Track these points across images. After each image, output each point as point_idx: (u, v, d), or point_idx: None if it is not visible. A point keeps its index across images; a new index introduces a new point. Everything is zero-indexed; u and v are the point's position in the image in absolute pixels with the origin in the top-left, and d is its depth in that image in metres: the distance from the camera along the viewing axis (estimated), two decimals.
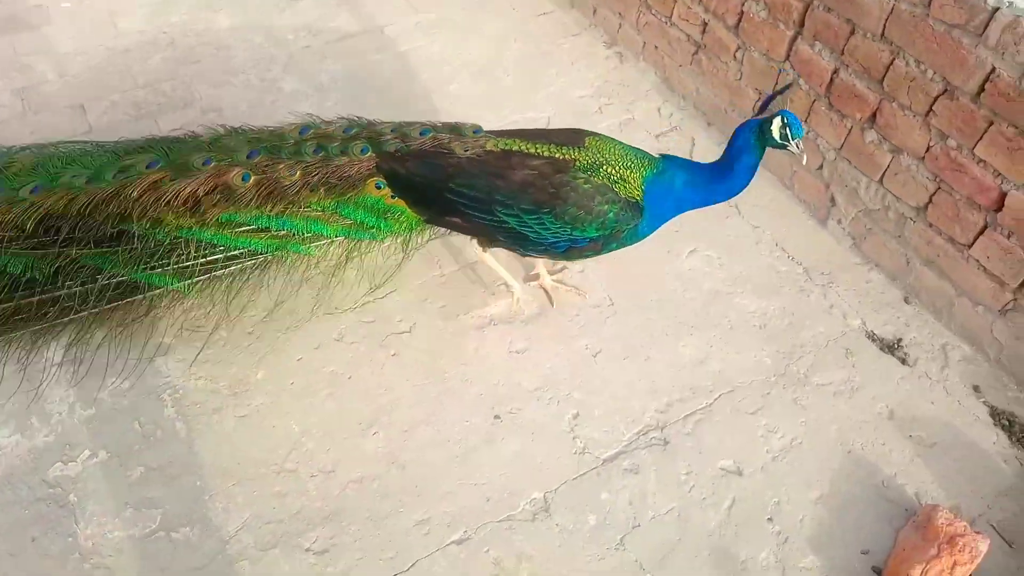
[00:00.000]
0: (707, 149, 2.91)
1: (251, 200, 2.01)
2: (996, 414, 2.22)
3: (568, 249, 2.08)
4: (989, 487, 2.06)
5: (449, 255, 2.53)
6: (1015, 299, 2.22)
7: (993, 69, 2.05)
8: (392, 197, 2.10)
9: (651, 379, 2.26)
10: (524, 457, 2.06)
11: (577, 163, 2.00)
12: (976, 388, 2.28)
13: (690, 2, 2.87)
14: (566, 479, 2.03)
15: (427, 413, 2.13)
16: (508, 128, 2.20)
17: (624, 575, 1.85)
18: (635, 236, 2.08)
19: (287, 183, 2.02)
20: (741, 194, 2.55)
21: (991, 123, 2.11)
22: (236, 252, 2.04)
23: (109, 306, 1.99)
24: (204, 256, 2.02)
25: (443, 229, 2.23)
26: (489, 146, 2.05)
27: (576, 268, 2.52)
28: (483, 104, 3.02)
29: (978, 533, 1.85)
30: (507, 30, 3.39)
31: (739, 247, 2.61)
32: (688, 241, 2.61)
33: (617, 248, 2.10)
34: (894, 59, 2.28)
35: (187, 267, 2.00)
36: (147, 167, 2.01)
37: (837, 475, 2.07)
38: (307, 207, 2.06)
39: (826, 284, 2.52)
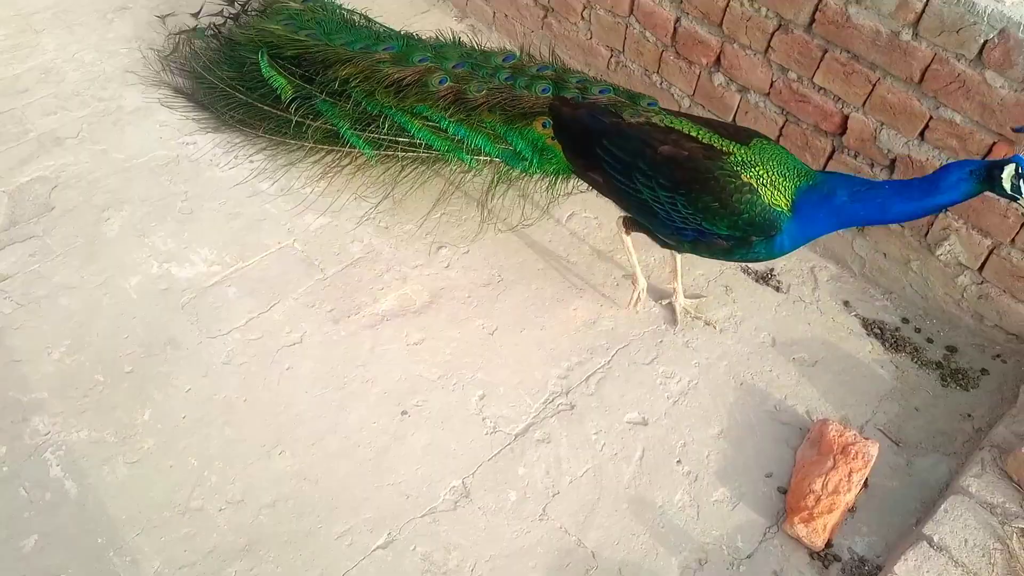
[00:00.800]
0: None
1: (440, 101, 2.31)
2: (867, 324, 2.38)
3: (695, 241, 2.01)
4: (871, 394, 2.22)
5: (329, 257, 2.46)
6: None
7: (820, 0, 2.16)
8: (552, 138, 2.23)
9: (549, 347, 2.29)
10: (437, 447, 2.06)
11: (732, 156, 1.91)
12: (846, 303, 2.43)
13: None
14: (482, 461, 2.04)
15: (331, 422, 2.09)
16: None
17: (551, 543, 1.89)
18: (771, 249, 1.94)
19: (471, 97, 2.28)
20: None
21: (825, 51, 2.22)
22: (417, 141, 2.36)
23: (313, 144, 2.50)
24: (393, 136, 2.37)
25: (584, 185, 2.28)
26: (656, 119, 2.04)
27: (462, 248, 2.51)
28: None
29: (867, 439, 1.99)
30: (353, 6, 3.28)
31: (612, 206, 2.66)
32: (567, 206, 2.65)
33: (749, 259, 2.01)
34: (729, 2, 2.36)
35: (378, 139, 2.39)
36: (383, 49, 2.46)
37: (733, 408, 2.17)
38: (481, 123, 2.29)
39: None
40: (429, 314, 2.34)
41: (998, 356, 2.28)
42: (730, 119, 2.57)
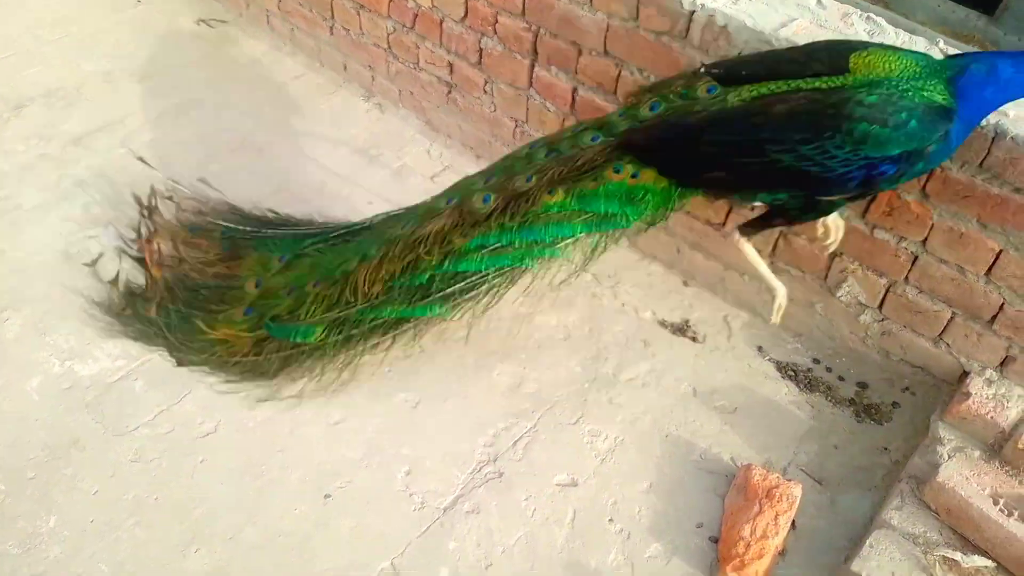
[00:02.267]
0: None
1: (493, 217, 2.09)
2: (781, 368, 2.45)
3: (865, 181, 1.79)
4: (790, 435, 2.27)
5: None
6: (771, 262, 2.47)
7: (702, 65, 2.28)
8: (633, 177, 2.03)
9: (474, 415, 2.27)
10: (364, 529, 1.99)
11: (850, 83, 1.74)
12: (760, 348, 2.51)
13: (432, 47, 2.95)
14: (411, 539, 1.98)
15: (250, 513, 2.00)
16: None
17: None
18: (948, 148, 1.76)
19: (524, 189, 2.07)
20: None
21: None
22: (485, 273, 2.13)
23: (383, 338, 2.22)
24: (450, 285, 2.14)
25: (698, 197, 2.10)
26: (734, 101, 1.87)
27: None
28: (244, 175, 2.92)
29: (791, 480, 2.02)
30: (261, 100, 3.31)
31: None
32: None
33: (923, 171, 1.85)
34: (620, 71, 2.48)
35: (442, 297, 2.15)
36: (402, 227, 2.22)
37: (661, 461, 2.18)
38: (548, 211, 2.07)
39: (614, 285, 2.67)
40: (349, 391, 2.30)
41: (907, 389, 2.38)
42: None
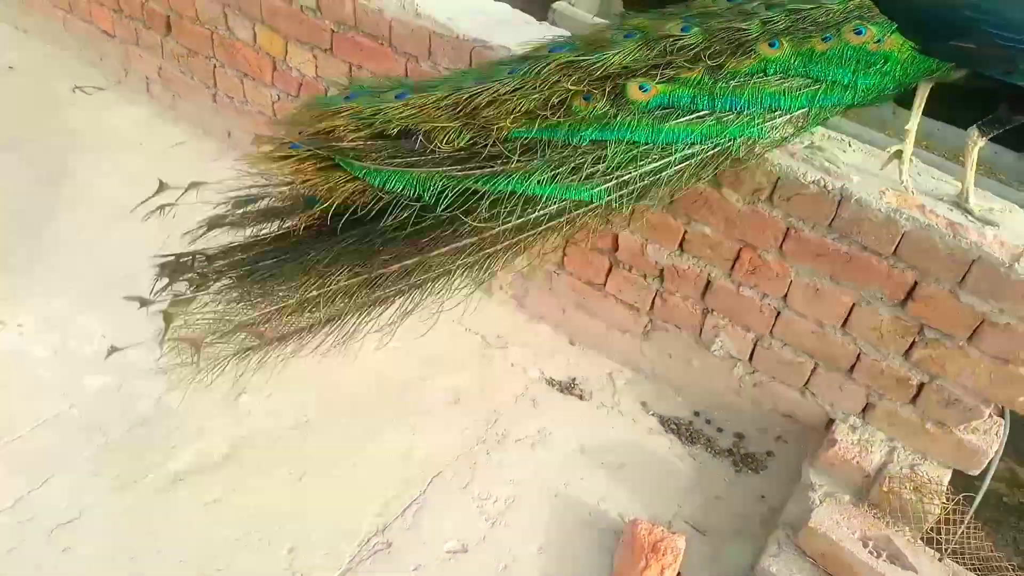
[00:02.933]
0: None
1: (694, 62, 1.73)
2: (664, 422, 2.53)
3: None
4: (674, 488, 2.33)
5: (113, 419, 2.28)
6: (650, 320, 2.57)
7: None
8: (877, 41, 1.81)
9: (362, 485, 2.22)
10: None
11: None
12: (644, 404, 2.58)
13: None
14: None
15: None
16: None
17: None
18: None
19: (741, 33, 1.74)
20: None
21: None
22: (672, 147, 1.74)
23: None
24: (628, 160, 1.74)
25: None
26: None
27: (265, 392, 2.41)
28: (118, 244, 2.82)
29: (675, 533, 2.07)
30: (142, 168, 3.21)
31: (420, 333, 2.70)
32: (370, 338, 2.64)
33: None
34: None
35: (607, 179, 1.72)
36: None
37: (551, 521, 2.19)
38: (765, 69, 1.78)
39: (504, 346, 2.71)
40: (230, 467, 2.21)
41: (779, 437, 2.49)
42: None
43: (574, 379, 2.63)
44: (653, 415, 2.54)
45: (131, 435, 2.24)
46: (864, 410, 2.29)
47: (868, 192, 2.02)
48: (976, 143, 2.01)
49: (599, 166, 1.78)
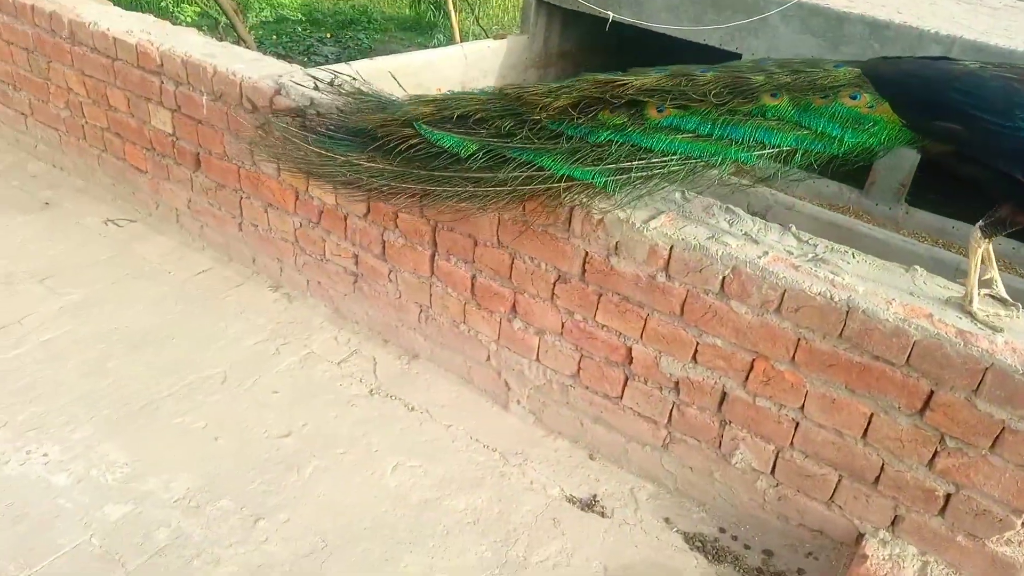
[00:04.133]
0: (389, 363, 3.06)
1: (704, 96, 2.08)
2: (689, 539, 2.46)
3: None
4: None
5: (130, 549, 2.26)
6: (669, 432, 2.56)
7: (587, 254, 2.48)
8: (869, 107, 2.04)
9: None
10: None
11: None
12: (667, 520, 2.53)
13: (338, 239, 3.10)
14: None
15: None
16: None
17: None
18: None
19: (749, 83, 2.07)
20: (432, 398, 2.65)
21: (600, 295, 2.51)
22: (668, 158, 2.12)
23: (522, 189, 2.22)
24: (627, 161, 2.13)
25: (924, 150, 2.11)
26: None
27: (282, 517, 2.40)
28: (142, 370, 2.89)
29: None
30: (166, 295, 3.34)
31: (437, 450, 2.71)
32: (388, 457, 2.65)
33: None
34: (514, 260, 2.65)
35: (614, 168, 2.14)
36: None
37: None
38: (763, 113, 2.08)
39: (522, 463, 2.69)
40: None
41: (810, 554, 2.42)
42: (534, 358, 2.77)
43: (595, 495, 2.59)
44: (677, 532, 2.49)
45: (149, 565, 2.22)
46: (893, 523, 2.23)
47: (874, 303, 2.05)
48: (980, 244, 2.07)
49: (605, 156, 2.17)
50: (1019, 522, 2.04)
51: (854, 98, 2.08)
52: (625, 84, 2.17)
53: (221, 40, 3.65)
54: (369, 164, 2.43)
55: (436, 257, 2.86)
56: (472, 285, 2.81)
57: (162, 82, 3.34)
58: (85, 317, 3.16)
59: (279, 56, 11.53)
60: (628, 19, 9.41)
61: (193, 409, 2.76)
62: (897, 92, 2.05)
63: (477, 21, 12.02)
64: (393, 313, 3.10)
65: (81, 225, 3.76)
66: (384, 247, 2.97)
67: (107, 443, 2.60)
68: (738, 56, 8.81)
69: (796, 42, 8.44)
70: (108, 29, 3.45)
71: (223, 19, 10.38)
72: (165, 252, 3.61)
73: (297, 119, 2.72)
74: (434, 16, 12.18)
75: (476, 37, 11.33)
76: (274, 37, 11.59)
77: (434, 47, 10.51)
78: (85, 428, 2.64)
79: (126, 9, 3.83)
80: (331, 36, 11.75)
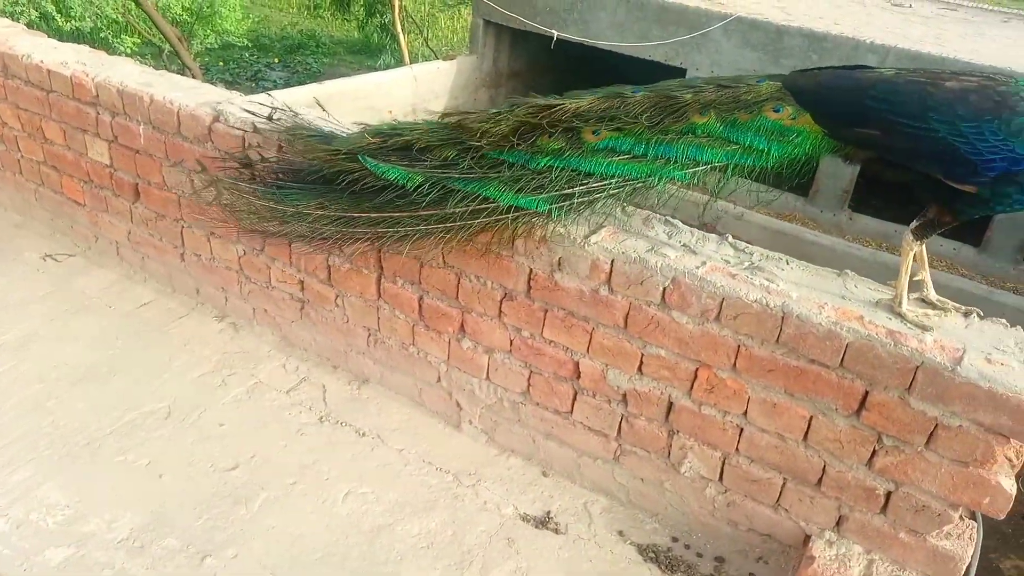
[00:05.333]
0: (338, 390, 3.03)
1: (636, 117, 2.12)
2: (642, 550, 2.48)
3: (1000, 176, 1.90)
4: None
5: None
6: (619, 445, 2.58)
7: (531, 271, 2.49)
8: (792, 119, 2.10)
9: None
10: None
11: (1019, 82, 1.92)
12: (621, 532, 2.54)
13: (283, 266, 3.07)
14: None
15: None
16: None
17: None
18: None
19: (676, 102, 2.12)
20: (383, 423, 2.66)
21: (546, 311, 2.53)
22: (607, 181, 2.16)
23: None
24: (567, 187, 2.17)
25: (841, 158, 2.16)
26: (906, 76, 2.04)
27: (230, 553, 2.35)
28: (84, 407, 2.81)
29: None
30: (107, 329, 3.27)
31: (389, 475, 2.68)
32: (340, 484, 2.62)
33: None
34: (460, 279, 2.65)
35: (555, 195, 2.18)
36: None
37: None
38: (693, 131, 2.13)
39: (475, 483, 2.68)
40: None
41: (760, 559, 2.45)
42: (484, 377, 2.77)
43: (549, 512, 2.59)
44: (631, 544, 2.50)
45: None
46: (838, 523, 2.27)
47: (807, 307, 2.10)
48: (912, 247, 2.13)
49: (547, 183, 2.21)
50: (956, 515, 2.10)
51: (777, 111, 2.14)
52: (560, 109, 2.20)
53: (165, 69, 3.62)
54: (319, 211, 2.39)
55: (382, 280, 2.85)
56: (420, 306, 2.80)
57: (98, 113, 3.29)
58: (24, 355, 3.08)
59: (226, 83, 11.48)
60: (575, 37, 9.57)
61: (137, 446, 2.70)
62: (816, 103, 2.11)
63: (426, 43, 12.10)
64: (341, 338, 3.08)
65: (19, 261, 3.66)
66: (330, 272, 2.95)
67: (48, 484, 2.52)
68: (683, 71, 9.05)
69: (738, 56, 8.68)
70: (42, 61, 3.39)
71: (167, 47, 10.29)
72: (106, 285, 3.53)
73: (245, 169, 2.68)
74: (382, 38, 12.22)
75: (426, 59, 11.40)
76: (221, 64, 11.52)
77: (383, 69, 10.54)
78: (25, 470, 2.57)
79: (66, 41, 3.76)
80: (279, 61, 11.73)
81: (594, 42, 9.40)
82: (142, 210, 3.40)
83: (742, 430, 2.33)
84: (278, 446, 2.75)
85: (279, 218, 2.48)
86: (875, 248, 8.06)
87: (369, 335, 3.00)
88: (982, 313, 2.15)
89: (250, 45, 12.34)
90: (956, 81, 1.99)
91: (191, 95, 3.14)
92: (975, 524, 2.14)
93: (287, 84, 10.91)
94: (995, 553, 5.81)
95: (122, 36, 9.94)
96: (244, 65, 11.71)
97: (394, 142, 2.37)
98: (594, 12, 9.42)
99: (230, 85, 11.19)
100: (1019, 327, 2.12)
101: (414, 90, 9.82)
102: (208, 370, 3.07)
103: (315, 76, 11.38)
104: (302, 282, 3.06)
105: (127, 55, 9.05)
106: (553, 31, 9.50)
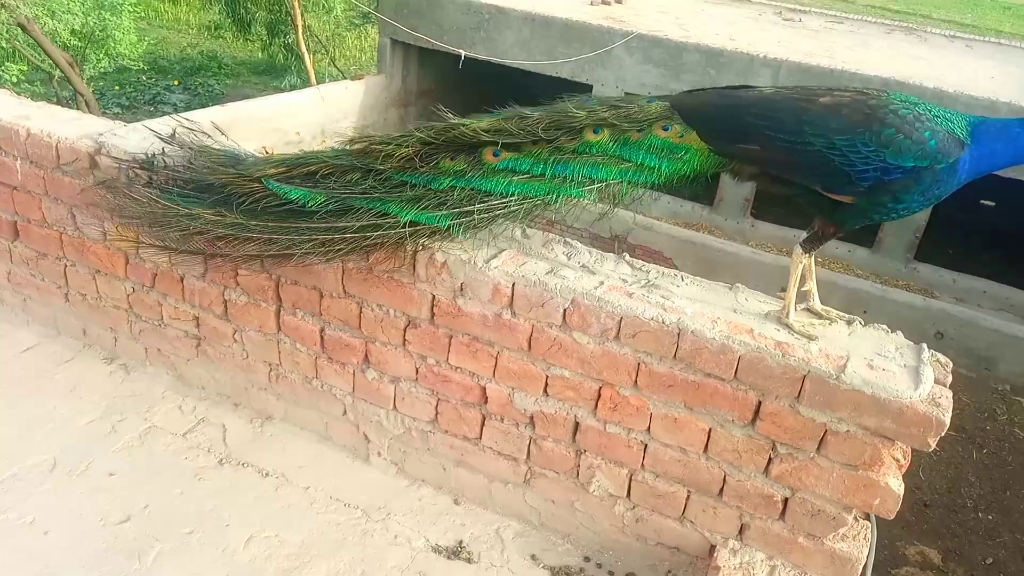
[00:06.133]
0: (239, 429, 2.91)
1: (534, 138, 2.19)
2: (555, 573, 2.47)
3: (874, 186, 1.99)
4: None
5: None
6: (529, 468, 2.57)
7: (434, 298, 2.46)
8: (680, 137, 2.17)
9: None
10: None
11: (890, 96, 2.04)
12: (534, 556, 2.53)
13: (176, 302, 2.94)
14: None
15: None
16: None
17: None
18: (953, 175, 1.99)
19: (572, 121, 2.18)
20: (288, 461, 2.60)
21: (451, 337, 2.50)
22: (508, 199, 2.21)
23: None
24: (468, 204, 2.21)
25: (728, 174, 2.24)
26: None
27: None
28: None
29: None
30: None
31: (295, 515, 2.59)
32: (241, 530, 2.51)
33: (924, 196, 2.01)
34: (362, 309, 2.60)
35: (455, 212, 2.22)
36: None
37: None
38: (588, 149, 2.20)
39: (385, 517, 2.62)
40: None
41: (669, 572, 2.48)
42: (391, 407, 2.72)
43: (461, 541, 2.55)
44: (544, 568, 2.48)
45: None
46: (740, 532, 2.32)
47: (701, 323, 2.15)
48: (801, 260, 2.21)
49: (448, 201, 2.25)
50: (850, 518, 2.17)
51: (666, 129, 2.22)
52: (460, 131, 2.25)
53: (56, 96, 3.42)
54: (215, 217, 2.37)
55: (282, 312, 2.76)
56: (322, 338, 2.73)
57: None
58: None
59: (123, 107, 11.03)
60: (482, 56, 9.64)
61: (19, 503, 2.52)
62: (701, 121, 2.20)
63: (333, 62, 11.94)
64: (241, 375, 2.96)
65: None
66: (226, 306, 2.84)
67: None
68: (589, 87, 9.23)
69: (641, 72, 8.92)
70: None
71: (57, 72, 9.79)
72: None
73: (144, 171, 2.62)
74: (287, 59, 11.99)
75: (333, 79, 11.24)
76: (117, 88, 11.06)
77: (289, 90, 10.34)
78: None
79: None
80: (179, 83, 11.33)
81: (501, 60, 9.49)
82: (22, 249, 3.21)
83: (646, 446, 2.36)
84: (174, 493, 2.62)
85: (174, 225, 2.43)
86: (776, 254, 8.38)
87: (270, 370, 2.90)
88: (863, 321, 2.24)
89: (147, 68, 11.90)
90: (830, 97, 2.09)
91: (72, 127, 2.98)
92: (869, 525, 2.22)
93: (188, 107, 10.55)
94: (900, 541, 6.10)
95: (6, 64, 9.39)
96: (142, 88, 11.27)
97: (299, 172, 2.37)
98: (501, 31, 9.52)
99: (127, 109, 10.75)
100: (899, 332, 2.22)
101: (322, 110, 9.67)
102: (97, 416, 2.90)
103: (218, 98, 11.05)
104: (197, 318, 2.94)
105: (12, 84, 8.56)
106: (461, 50, 9.55)
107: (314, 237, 2.30)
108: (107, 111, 10.14)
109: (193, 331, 2.98)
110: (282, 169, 2.39)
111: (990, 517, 6.38)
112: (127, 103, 10.92)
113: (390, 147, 2.28)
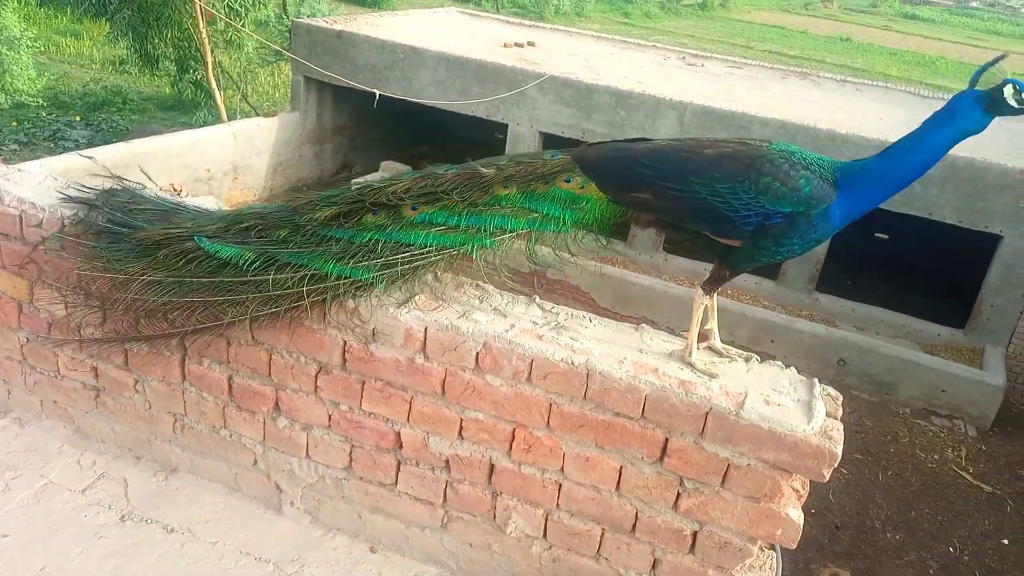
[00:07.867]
0: (142, 483, 2.79)
1: (448, 192, 2.30)
2: None
3: (757, 230, 2.13)
4: None
5: None
6: (446, 512, 2.56)
7: (345, 343, 2.45)
8: (581, 188, 2.30)
9: None
10: None
11: (771, 145, 2.18)
12: None
13: (73, 352, 2.81)
14: None
15: None
16: None
17: None
18: (827, 222, 2.14)
19: (483, 178, 2.31)
20: (195, 515, 2.53)
21: (364, 383, 2.49)
22: (426, 250, 2.31)
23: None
24: (391, 255, 2.31)
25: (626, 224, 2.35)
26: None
27: None
28: None
29: None
30: None
31: (201, 573, 2.49)
32: None
33: (803, 240, 2.15)
34: (271, 355, 2.56)
35: (375, 264, 2.31)
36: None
37: None
38: (498, 202, 2.32)
39: (299, 569, 2.56)
40: None
41: None
42: (304, 455, 2.67)
43: None
44: None
45: None
46: (654, 567, 2.37)
47: (609, 363, 2.21)
48: (702, 301, 2.32)
49: (371, 254, 2.34)
50: (756, 549, 2.26)
51: (568, 181, 2.35)
52: (382, 191, 2.38)
53: None
54: (148, 277, 2.40)
55: (187, 361, 2.68)
56: (230, 386, 2.66)
57: None
58: None
59: (21, 144, 10.51)
60: (398, 95, 9.69)
61: None
62: (598, 172, 2.33)
63: (245, 98, 11.74)
64: (144, 426, 2.85)
65: None
66: (127, 355, 2.74)
67: None
68: (504, 126, 9.40)
69: (554, 112, 9.14)
70: None
71: None
72: None
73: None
74: (196, 95, 11.72)
75: (245, 115, 11.04)
76: (14, 124, 10.55)
77: (199, 127, 10.09)
78: None
79: None
80: (81, 119, 10.89)
81: (416, 100, 9.55)
82: None
83: (561, 485, 2.39)
84: (73, 554, 2.48)
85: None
86: (688, 286, 8.66)
87: (175, 420, 2.81)
88: (760, 358, 2.35)
89: (47, 104, 11.39)
90: (714, 148, 2.25)
91: None
92: (775, 554, 2.31)
93: (91, 143, 10.14)
94: (814, 564, 6.31)
95: None
96: (41, 124, 10.77)
97: (236, 228, 2.45)
98: (415, 70, 9.60)
99: (25, 146, 10.25)
100: (792, 368, 2.35)
101: (234, 147, 9.48)
102: None
103: (122, 134, 10.66)
104: (95, 368, 2.82)
105: None
106: (375, 90, 9.57)
107: (247, 295, 2.35)
108: (3, 148, 9.64)
109: (92, 382, 2.85)
110: (221, 225, 2.46)
111: (897, 537, 6.67)
112: (25, 139, 10.40)
113: (318, 207, 2.40)
